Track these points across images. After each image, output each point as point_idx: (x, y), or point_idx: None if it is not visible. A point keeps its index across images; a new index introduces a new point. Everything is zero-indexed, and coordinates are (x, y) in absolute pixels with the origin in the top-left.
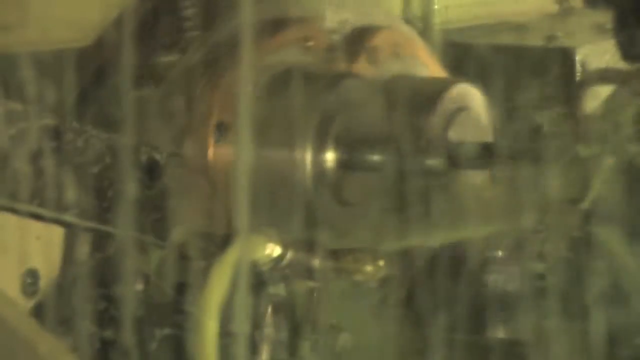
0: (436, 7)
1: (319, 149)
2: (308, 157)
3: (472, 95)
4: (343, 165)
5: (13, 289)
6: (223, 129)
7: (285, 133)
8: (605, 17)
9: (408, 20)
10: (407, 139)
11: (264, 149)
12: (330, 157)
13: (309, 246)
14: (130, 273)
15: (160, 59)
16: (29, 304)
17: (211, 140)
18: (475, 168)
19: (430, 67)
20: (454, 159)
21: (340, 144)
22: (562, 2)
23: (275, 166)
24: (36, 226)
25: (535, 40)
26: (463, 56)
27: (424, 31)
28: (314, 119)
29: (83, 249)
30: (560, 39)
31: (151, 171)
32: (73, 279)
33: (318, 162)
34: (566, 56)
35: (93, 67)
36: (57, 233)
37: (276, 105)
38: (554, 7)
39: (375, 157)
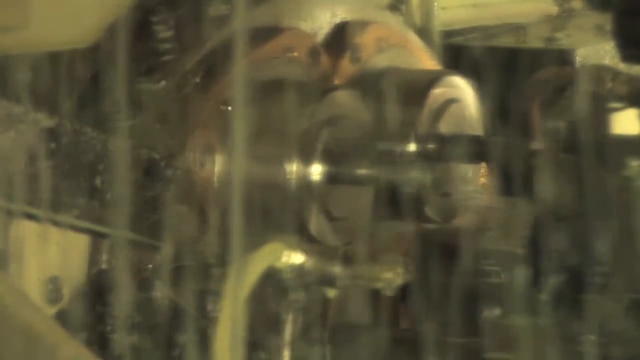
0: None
1: (305, 162)
2: (294, 169)
3: (462, 88)
4: (330, 178)
5: (37, 296)
6: (208, 152)
7: (270, 146)
8: (604, 18)
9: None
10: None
11: (250, 164)
12: (316, 169)
13: (330, 253)
14: (127, 276)
15: (139, 85)
16: (51, 311)
17: (197, 166)
18: (465, 161)
19: (421, 59)
20: (444, 152)
21: (327, 157)
22: (562, 4)
23: (261, 179)
24: (57, 233)
25: (535, 42)
26: (462, 58)
27: (424, 32)
28: (300, 131)
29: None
30: (559, 40)
31: (150, 172)
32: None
33: (304, 175)
34: (566, 58)
35: (92, 68)
36: (80, 240)
37: (261, 118)
38: (553, 9)
39: (362, 170)
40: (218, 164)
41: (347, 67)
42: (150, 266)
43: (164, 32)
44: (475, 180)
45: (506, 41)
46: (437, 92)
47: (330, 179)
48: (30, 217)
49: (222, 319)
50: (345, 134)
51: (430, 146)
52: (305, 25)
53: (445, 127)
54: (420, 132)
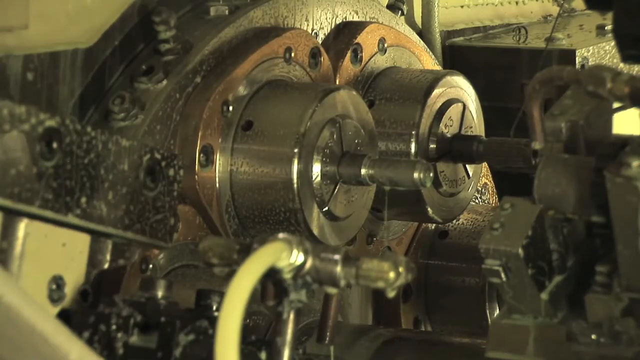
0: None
1: (305, 162)
2: (294, 169)
3: (462, 88)
4: (329, 177)
5: (39, 296)
6: (209, 153)
7: (271, 146)
8: (605, 18)
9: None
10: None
11: (252, 164)
12: (316, 169)
13: (330, 253)
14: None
15: (140, 85)
16: (54, 310)
17: (198, 166)
18: (466, 161)
19: (422, 59)
20: (445, 152)
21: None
22: (562, 4)
23: (263, 180)
24: (62, 233)
25: (535, 42)
26: (463, 57)
27: (425, 32)
28: (299, 131)
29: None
30: (559, 40)
31: (153, 172)
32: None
33: (305, 174)
34: (566, 58)
35: (95, 67)
36: (82, 240)
37: (262, 119)
38: (553, 9)
39: (362, 170)
40: (218, 164)
41: (347, 67)
42: (152, 266)
43: (165, 32)
44: (476, 180)
45: (506, 41)
46: (438, 92)
47: (331, 178)
48: (33, 216)
49: (222, 319)
50: (346, 134)
51: (431, 146)
52: (306, 26)
53: (445, 127)
54: (421, 132)
